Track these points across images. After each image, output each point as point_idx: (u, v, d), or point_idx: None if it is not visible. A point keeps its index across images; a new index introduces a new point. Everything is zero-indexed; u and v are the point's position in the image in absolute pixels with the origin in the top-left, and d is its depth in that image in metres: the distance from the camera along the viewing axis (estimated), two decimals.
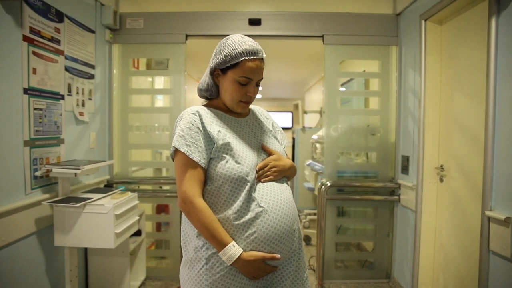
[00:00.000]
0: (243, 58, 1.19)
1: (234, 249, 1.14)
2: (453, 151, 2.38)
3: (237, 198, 1.17)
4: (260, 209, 1.17)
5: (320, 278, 2.99)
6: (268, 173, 1.24)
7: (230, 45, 1.20)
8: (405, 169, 2.84)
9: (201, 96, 1.35)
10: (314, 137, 4.36)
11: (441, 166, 2.49)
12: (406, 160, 2.82)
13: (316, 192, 3.65)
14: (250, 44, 1.21)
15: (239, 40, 1.21)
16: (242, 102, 1.26)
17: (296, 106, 6.24)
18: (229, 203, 1.17)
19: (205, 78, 1.31)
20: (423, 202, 2.56)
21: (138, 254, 2.94)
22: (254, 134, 1.32)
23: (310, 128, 5.35)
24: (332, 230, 3.08)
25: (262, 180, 1.22)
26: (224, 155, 1.19)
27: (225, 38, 1.25)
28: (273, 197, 1.20)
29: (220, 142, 1.19)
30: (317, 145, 4.16)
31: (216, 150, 1.19)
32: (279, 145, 1.38)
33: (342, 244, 3.64)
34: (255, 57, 1.20)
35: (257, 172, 1.22)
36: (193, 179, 1.18)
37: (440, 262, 2.53)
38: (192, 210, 1.17)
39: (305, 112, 5.82)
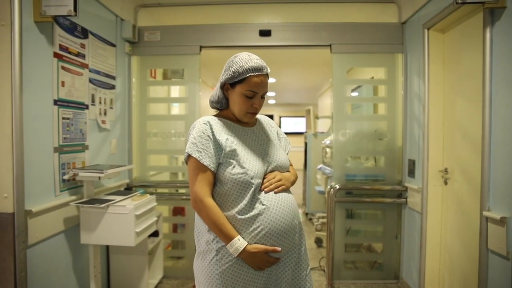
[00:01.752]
0: (249, 74, 1.34)
1: (239, 242, 1.29)
2: (456, 155, 2.47)
3: (243, 198, 1.32)
4: (263, 207, 1.32)
5: (330, 278, 3.09)
6: (280, 182, 1.38)
7: (238, 63, 1.36)
8: (411, 173, 2.93)
9: (213, 107, 1.52)
10: (326, 141, 4.47)
11: (445, 169, 2.58)
12: (412, 163, 2.91)
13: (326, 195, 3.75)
14: (255, 61, 1.36)
15: (246, 58, 1.37)
16: (249, 113, 1.42)
17: (308, 112, 6.35)
18: (236, 202, 1.33)
19: (216, 91, 1.47)
20: (428, 204, 2.64)
21: (156, 254, 3.11)
22: (260, 142, 1.47)
23: (322, 133, 5.45)
24: (341, 231, 3.18)
25: (275, 191, 1.36)
26: (231, 161, 1.34)
27: (233, 56, 1.41)
28: (276, 197, 1.35)
29: (228, 149, 1.35)
30: (327, 149, 4.27)
31: (224, 156, 1.35)
32: (284, 154, 1.52)
33: (353, 246, 3.73)
34: (260, 73, 1.36)
35: (264, 177, 1.37)
36: (203, 181, 1.34)
37: (445, 263, 2.60)
38: (202, 208, 1.33)
39: (316, 117, 5.92)
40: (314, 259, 3.69)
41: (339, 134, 3.16)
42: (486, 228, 1.91)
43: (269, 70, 1.40)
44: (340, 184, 3.10)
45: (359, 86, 4.12)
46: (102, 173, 2.21)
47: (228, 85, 1.41)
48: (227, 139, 1.37)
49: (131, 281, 2.80)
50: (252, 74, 1.34)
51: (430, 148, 2.63)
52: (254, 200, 1.33)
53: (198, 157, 1.33)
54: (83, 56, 2.46)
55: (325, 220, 4.68)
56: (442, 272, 2.64)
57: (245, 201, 1.32)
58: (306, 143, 5.59)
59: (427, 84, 2.63)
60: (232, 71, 1.36)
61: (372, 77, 3.80)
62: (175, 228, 3.74)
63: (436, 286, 2.67)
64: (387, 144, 3.16)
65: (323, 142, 4.65)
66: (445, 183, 2.59)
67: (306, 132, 6.17)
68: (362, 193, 3.21)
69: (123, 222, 2.22)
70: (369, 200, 3.16)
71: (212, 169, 1.34)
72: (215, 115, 1.49)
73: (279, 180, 1.38)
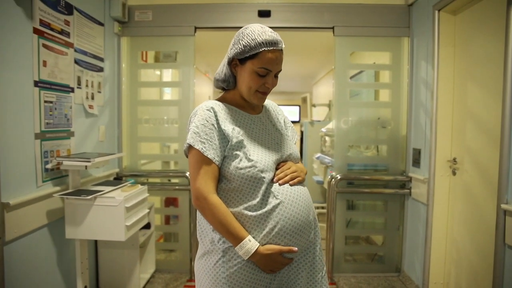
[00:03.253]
0: (262, 49, 1.16)
1: (250, 244, 1.13)
2: (466, 144, 2.34)
3: (255, 193, 1.16)
4: (277, 201, 1.16)
5: (330, 271, 2.98)
6: (295, 174, 1.23)
7: (250, 35, 1.17)
8: (416, 162, 2.81)
9: (217, 87, 1.33)
10: (323, 130, 4.33)
11: (454, 159, 2.46)
12: (417, 153, 2.78)
13: (325, 186, 3.62)
14: (270, 34, 1.18)
15: (258, 30, 1.18)
16: (259, 92, 1.23)
17: (304, 100, 6.19)
18: (246, 198, 1.17)
19: (222, 68, 1.28)
20: (435, 195, 2.53)
21: (148, 247, 2.95)
22: (268, 131, 1.30)
23: (319, 121, 5.32)
24: (342, 223, 3.06)
25: (291, 183, 1.21)
26: (237, 153, 1.17)
27: (244, 27, 1.23)
28: (291, 190, 1.20)
29: (235, 140, 1.18)
30: (327, 138, 4.13)
31: (230, 148, 1.18)
32: (293, 144, 1.36)
33: (351, 238, 3.63)
34: (275, 48, 1.18)
35: (277, 168, 1.22)
36: (207, 175, 1.16)
37: (452, 256, 2.50)
38: (206, 206, 1.16)
39: (313, 105, 5.77)
40: None
41: (340, 121, 3.01)
42: (503, 222, 1.79)
43: (284, 45, 1.22)
44: (342, 174, 2.97)
45: (359, 73, 3.96)
46: (89, 161, 2.03)
47: (237, 61, 1.22)
48: (233, 128, 1.19)
49: (122, 276, 2.64)
50: (266, 49, 1.16)
51: (438, 136, 2.50)
52: (266, 194, 1.16)
53: (201, 148, 1.15)
54: (68, 34, 2.24)
55: (321, 210, 4.57)
56: (448, 265, 2.54)
57: (257, 197, 1.15)
58: (302, 132, 5.46)
59: (436, 69, 2.49)
60: (243, 45, 1.17)
61: (374, 63, 3.65)
62: (167, 219, 3.58)
63: (441, 280, 2.58)
64: (390, 132, 3.02)
65: (321, 130, 4.50)
66: (453, 173, 2.48)
67: (300, 120, 6.03)
68: (363, 184, 3.08)
69: (112, 215, 2.04)
70: (371, 191, 3.04)
71: (217, 163, 1.17)
72: (218, 99, 1.31)
73: (294, 171, 1.22)
